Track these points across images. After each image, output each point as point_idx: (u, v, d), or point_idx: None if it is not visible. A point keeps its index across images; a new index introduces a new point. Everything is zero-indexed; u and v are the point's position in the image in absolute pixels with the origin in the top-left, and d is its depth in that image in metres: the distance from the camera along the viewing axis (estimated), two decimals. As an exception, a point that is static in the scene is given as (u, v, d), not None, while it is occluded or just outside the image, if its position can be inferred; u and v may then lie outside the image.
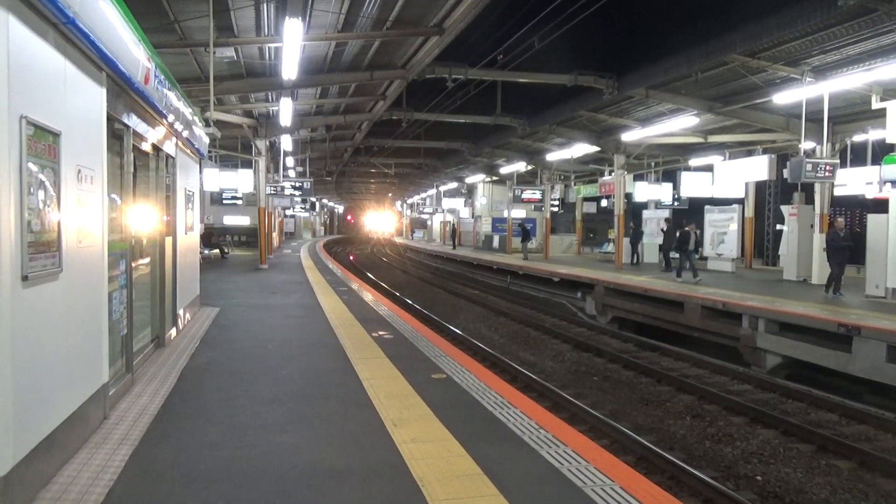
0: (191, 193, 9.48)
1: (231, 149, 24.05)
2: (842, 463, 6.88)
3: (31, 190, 3.28)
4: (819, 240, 15.54)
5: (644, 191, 25.05)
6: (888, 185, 12.74)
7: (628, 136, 18.71)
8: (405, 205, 65.35)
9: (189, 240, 9.44)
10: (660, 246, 20.58)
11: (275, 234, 30.35)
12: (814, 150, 15.41)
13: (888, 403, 8.81)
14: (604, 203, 30.27)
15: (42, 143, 3.41)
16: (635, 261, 22.28)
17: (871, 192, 16.73)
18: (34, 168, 3.31)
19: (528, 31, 12.86)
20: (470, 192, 42.21)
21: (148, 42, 5.50)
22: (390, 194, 65.07)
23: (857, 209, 28.01)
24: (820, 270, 15.34)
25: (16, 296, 3.13)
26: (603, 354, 12.05)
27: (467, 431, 4.57)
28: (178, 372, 6.23)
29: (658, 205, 24.93)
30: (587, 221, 33.08)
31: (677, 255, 16.80)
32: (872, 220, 13.11)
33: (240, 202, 29.16)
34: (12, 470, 3.10)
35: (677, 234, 16.82)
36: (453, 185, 42.18)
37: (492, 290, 23.29)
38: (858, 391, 9.50)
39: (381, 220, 76.47)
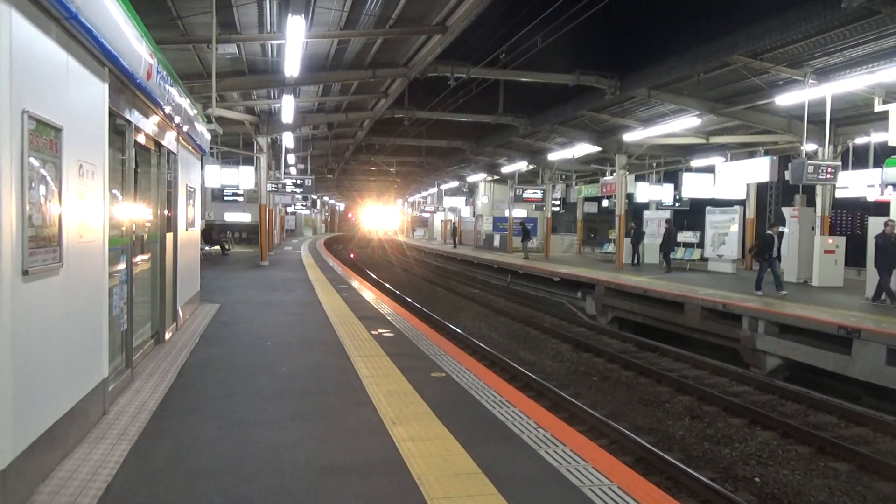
0: (192, 189, 9.49)
1: (233, 145, 24.05)
2: (840, 465, 6.88)
3: (33, 184, 3.28)
4: (819, 242, 15.53)
5: (645, 191, 25.05)
6: (890, 187, 12.73)
7: (630, 137, 18.71)
8: (406, 203, 65.03)
9: (190, 236, 9.45)
10: (660, 247, 20.58)
11: (276, 231, 30.34)
12: (816, 152, 15.40)
13: (887, 406, 8.81)
14: (605, 203, 30.29)
15: (43, 137, 3.41)
16: (636, 261, 22.29)
17: (872, 195, 16.73)
18: (35, 163, 3.31)
19: (531, 30, 12.86)
20: (471, 191, 42.19)
21: (150, 38, 5.50)
22: (391, 193, 64.48)
23: (859, 212, 27.99)
24: (820, 272, 15.34)
25: (16, 290, 3.14)
26: (602, 354, 12.06)
27: (466, 430, 4.57)
28: (177, 368, 6.24)
29: (659, 205, 24.92)
30: (588, 221, 33.11)
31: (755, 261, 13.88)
32: (873, 222, 13.10)
33: (241, 199, 29.27)
34: (11, 464, 3.10)
35: (759, 238, 14.23)
36: (454, 183, 42.16)
37: (492, 290, 23.29)
38: (858, 394, 9.50)
39: (383, 218, 68.86)
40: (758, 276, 13.62)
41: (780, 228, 14.05)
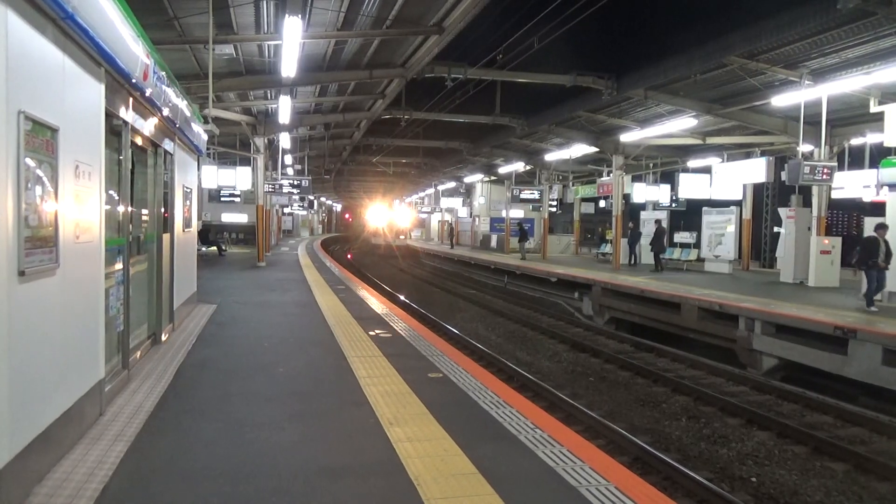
0: (189, 190, 9.47)
1: (230, 146, 24.01)
2: (837, 465, 6.90)
3: (29, 185, 3.27)
4: (816, 242, 15.57)
5: (642, 192, 25.10)
6: (885, 188, 12.76)
7: (627, 137, 18.74)
8: (403, 203, 64.61)
9: (186, 237, 9.44)
10: (651, 246, 20.66)
11: (273, 232, 30.31)
12: (812, 153, 15.45)
13: (883, 406, 8.83)
14: (602, 204, 30.34)
15: (40, 138, 3.41)
16: (633, 262, 22.32)
17: (868, 196, 16.79)
18: (32, 163, 3.31)
19: (528, 30, 12.86)
20: (468, 192, 42.21)
21: (147, 38, 5.49)
22: (389, 193, 63.42)
23: (855, 212, 28.11)
24: (816, 273, 15.38)
25: (12, 291, 3.13)
26: (599, 355, 12.07)
27: (463, 430, 4.58)
28: (174, 369, 6.23)
29: (656, 206, 24.97)
30: (585, 222, 33.16)
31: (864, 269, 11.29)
32: (869, 223, 13.13)
33: (238, 199, 29.21)
34: (7, 465, 3.10)
35: (862, 242, 11.71)
36: (452, 184, 42.16)
37: (489, 290, 23.30)
38: (854, 394, 9.53)
39: (387, 217, 54.12)
40: (867, 289, 11.28)
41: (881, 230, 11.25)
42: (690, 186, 22.15)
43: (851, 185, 16.96)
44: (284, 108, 15.39)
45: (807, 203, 16.91)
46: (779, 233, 18.27)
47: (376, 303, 11.62)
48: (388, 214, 45.43)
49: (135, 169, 6.23)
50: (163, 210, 7.62)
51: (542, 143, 25.06)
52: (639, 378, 10.53)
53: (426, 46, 12.92)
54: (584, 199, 30.96)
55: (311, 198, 47.26)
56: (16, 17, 3.13)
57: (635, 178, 25.82)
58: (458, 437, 4.42)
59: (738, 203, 20.78)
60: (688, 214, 26.23)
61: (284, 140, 22.90)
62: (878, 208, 14.62)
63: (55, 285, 3.72)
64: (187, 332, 8.12)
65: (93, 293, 4.52)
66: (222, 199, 29.03)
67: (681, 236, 23.30)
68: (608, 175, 23.99)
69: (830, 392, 9.66)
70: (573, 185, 30.41)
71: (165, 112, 6.72)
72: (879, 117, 12.47)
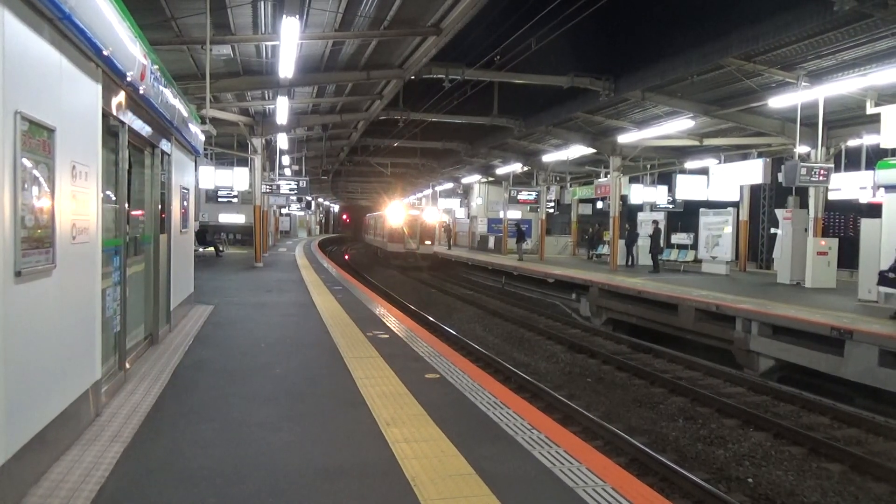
0: (186, 191, 9.46)
1: (227, 146, 24.00)
2: (833, 466, 6.91)
3: (25, 185, 3.27)
4: (812, 243, 15.59)
5: (639, 193, 25.13)
6: (882, 189, 12.80)
7: (624, 139, 18.77)
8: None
9: (184, 237, 9.42)
10: (650, 248, 20.69)
11: (270, 233, 30.27)
12: (808, 155, 15.49)
13: (879, 407, 8.85)
14: (599, 205, 30.37)
15: (36, 138, 3.40)
16: (630, 263, 22.35)
17: (864, 197, 16.82)
18: (28, 163, 3.30)
19: (526, 32, 12.86)
20: (466, 193, 42.18)
21: (144, 39, 5.49)
22: (387, 193, 63.19)
23: (851, 213, 28.17)
24: (813, 273, 15.40)
25: (8, 291, 3.12)
26: (597, 356, 12.08)
27: (460, 431, 4.57)
28: (171, 369, 6.21)
29: (653, 207, 25.01)
30: (583, 223, 33.17)
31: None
32: (866, 224, 13.18)
33: (235, 200, 29.19)
34: (2, 466, 3.09)
35: None
36: (449, 185, 42.15)
37: (487, 291, 23.30)
38: (850, 395, 9.55)
39: (410, 216, 36.32)
40: None
41: None
42: (688, 188, 22.18)
43: (848, 186, 16.99)
44: (282, 108, 15.39)
45: (804, 204, 16.95)
46: (776, 234, 18.31)
47: (373, 303, 11.61)
48: (411, 213, 36.01)
49: (132, 169, 6.22)
50: (160, 210, 7.61)
51: (540, 144, 25.09)
52: (636, 379, 10.54)
53: (424, 47, 12.92)
54: (581, 201, 30.98)
55: (309, 198, 47.21)
56: (12, 18, 3.12)
57: (633, 180, 25.85)
58: (455, 438, 4.42)
59: (735, 204, 20.82)
60: (685, 215, 26.26)
61: (282, 141, 22.88)
62: (874, 209, 14.66)
63: (51, 286, 3.71)
64: (184, 333, 8.11)
65: (89, 294, 4.51)
66: (219, 199, 29.04)
67: (678, 237, 23.32)
68: (605, 176, 24.02)
69: (827, 393, 9.68)
70: (571, 187, 30.42)
71: (162, 112, 6.71)
72: (876, 119, 12.51)
